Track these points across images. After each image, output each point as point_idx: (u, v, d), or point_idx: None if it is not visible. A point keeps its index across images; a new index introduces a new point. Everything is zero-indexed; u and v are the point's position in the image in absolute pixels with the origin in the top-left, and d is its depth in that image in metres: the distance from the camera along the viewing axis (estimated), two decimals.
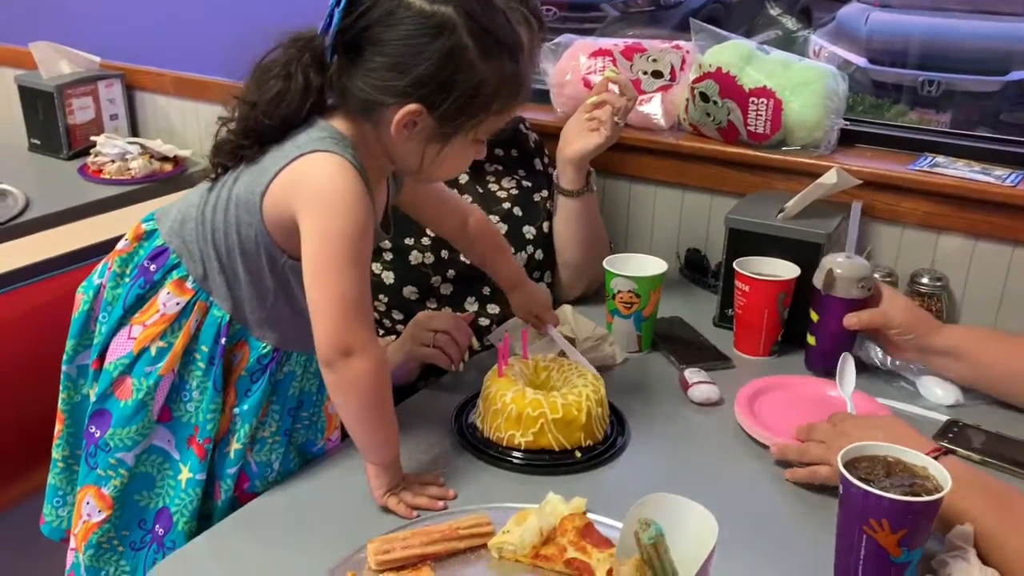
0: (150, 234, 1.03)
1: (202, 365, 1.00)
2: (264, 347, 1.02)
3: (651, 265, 1.36)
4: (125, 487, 1.02)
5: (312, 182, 0.93)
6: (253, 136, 0.97)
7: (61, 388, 1.08)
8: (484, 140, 1.03)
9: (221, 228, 0.98)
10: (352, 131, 0.97)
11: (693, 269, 1.65)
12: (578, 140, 1.41)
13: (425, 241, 1.37)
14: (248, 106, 0.97)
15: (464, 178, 1.45)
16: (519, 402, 1.06)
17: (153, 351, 1.00)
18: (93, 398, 1.02)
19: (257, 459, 1.05)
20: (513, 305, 1.27)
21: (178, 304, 1.00)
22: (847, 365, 1.21)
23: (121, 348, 1.01)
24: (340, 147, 0.95)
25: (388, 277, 1.37)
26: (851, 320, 1.23)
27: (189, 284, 1.00)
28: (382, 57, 0.93)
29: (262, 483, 1.06)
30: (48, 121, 2.17)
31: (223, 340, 1.00)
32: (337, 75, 0.96)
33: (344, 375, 0.94)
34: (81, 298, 1.06)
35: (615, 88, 1.40)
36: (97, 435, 1.01)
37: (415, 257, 1.36)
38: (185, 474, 1.02)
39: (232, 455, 1.03)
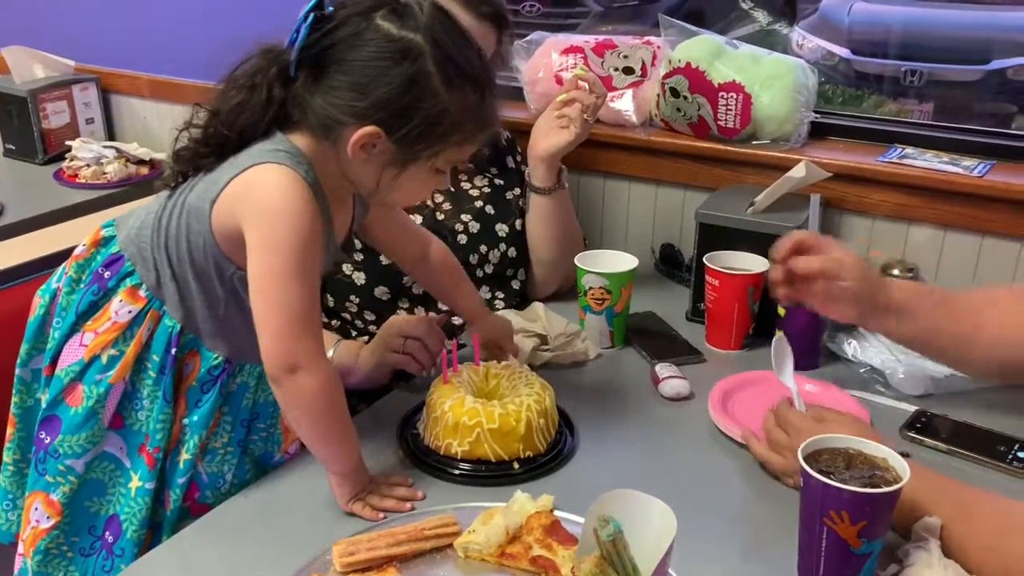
0: (107, 240, 1.03)
1: (152, 374, 1.00)
2: (216, 358, 1.02)
3: (622, 261, 1.37)
4: (75, 493, 1.01)
5: (258, 192, 0.93)
6: (212, 145, 0.97)
7: (14, 391, 1.08)
8: (446, 171, 1.01)
9: (173, 236, 0.98)
10: (311, 148, 0.97)
11: (668, 264, 1.66)
12: (548, 138, 1.41)
13: None
14: (210, 114, 0.97)
15: None
16: (456, 411, 1.05)
17: (104, 359, 0.99)
18: (44, 404, 1.02)
19: (209, 470, 1.05)
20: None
21: (130, 312, 0.99)
22: (781, 347, 1.14)
23: (72, 355, 1.00)
24: (293, 161, 0.94)
25: (359, 278, 1.36)
26: (801, 263, 1.11)
27: (142, 292, 1.00)
28: (345, 76, 0.93)
29: (213, 493, 1.06)
30: (22, 126, 2.17)
31: (174, 350, 1.00)
32: (300, 90, 0.95)
33: (292, 391, 0.93)
34: (38, 302, 1.06)
35: (585, 85, 1.40)
36: (47, 441, 1.01)
37: (386, 257, 1.36)
38: (135, 482, 1.02)
39: (182, 465, 1.02)
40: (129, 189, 2.03)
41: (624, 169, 1.68)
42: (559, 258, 1.49)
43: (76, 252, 1.05)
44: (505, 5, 1.40)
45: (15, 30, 2.30)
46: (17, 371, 1.07)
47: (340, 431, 0.98)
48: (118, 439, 1.02)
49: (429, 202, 1.43)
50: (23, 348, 1.07)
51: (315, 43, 0.93)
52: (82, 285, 1.02)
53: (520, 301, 1.51)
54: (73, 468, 1.01)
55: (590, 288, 1.34)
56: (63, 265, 1.06)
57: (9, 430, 1.09)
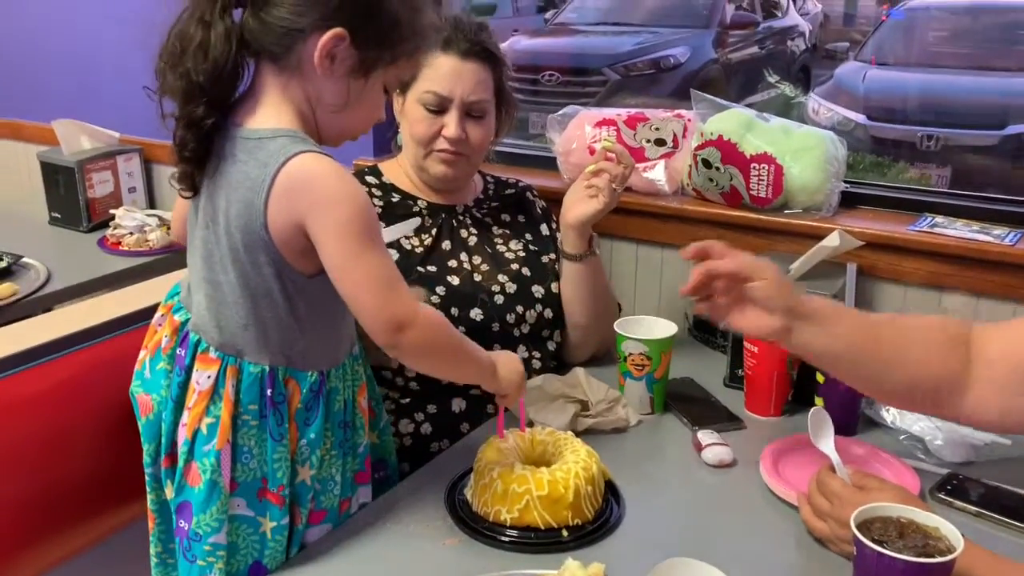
0: (184, 324, 1.06)
1: (253, 423, 1.02)
2: (312, 375, 1.04)
3: (661, 327, 1.39)
4: (228, 566, 1.03)
5: (314, 186, 0.95)
6: (197, 99, 0.95)
7: (148, 489, 1.11)
8: (390, 93, 1.07)
9: (236, 284, 0.99)
10: (280, 85, 0.98)
11: (702, 330, 1.68)
12: (578, 206, 1.46)
13: (434, 299, 1.40)
14: (176, 75, 0.96)
15: (473, 239, 1.50)
16: (506, 478, 1.06)
17: (204, 429, 1.02)
18: (172, 494, 1.05)
19: (321, 476, 1.07)
20: None
21: (209, 378, 1.02)
22: (818, 418, 1.15)
23: (180, 438, 1.04)
24: (305, 142, 0.97)
25: None
26: (713, 264, 1.07)
27: (213, 354, 1.02)
28: None
29: (327, 497, 1.09)
30: (68, 195, 2.24)
31: (269, 391, 1.02)
32: (250, 14, 0.96)
33: (410, 348, 0.99)
34: (149, 399, 1.08)
35: (613, 156, 1.45)
36: (186, 527, 1.04)
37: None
38: (268, 524, 1.04)
39: (309, 481, 1.05)
40: (171, 256, 2.08)
41: (657, 236, 1.72)
42: (593, 323, 1.51)
43: (163, 346, 1.07)
44: (493, 42, 1.45)
45: (65, 104, 2.40)
46: (147, 470, 1.11)
47: (467, 352, 1.06)
48: (239, 500, 1.04)
49: (467, 264, 1.46)
50: (146, 449, 1.10)
51: None
52: (173, 374, 1.06)
53: (556, 363, 1.53)
54: (219, 544, 1.02)
55: (630, 354, 1.36)
56: (164, 364, 1.08)
57: (150, 525, 1.14)
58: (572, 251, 1.48)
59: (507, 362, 1.12)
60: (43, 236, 2.26)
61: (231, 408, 1.01)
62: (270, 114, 0.99)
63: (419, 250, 1.44)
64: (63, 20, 2.45)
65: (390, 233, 1.39)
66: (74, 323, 1.54)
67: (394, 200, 1.48)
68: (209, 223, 1.01)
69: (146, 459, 1.10)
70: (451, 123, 1.41)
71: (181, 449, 1.03)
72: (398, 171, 1.52)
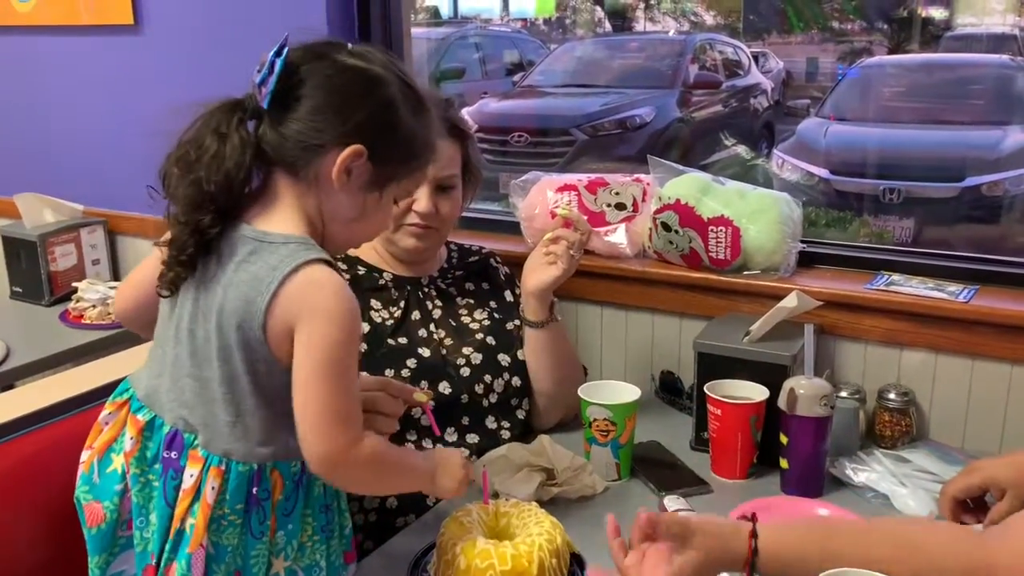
0: (151, 424, 1.03)
1: (237, 521, 0.99)
2: (295, 465, 1.01)
3: (625, 392, 1.39)
4: None
5: (317, 296, 0.94)
6: (206, 207, 0.96)
7: None
8: (396, 203, 1.11)
9: (224, 380, 0.98)
10: (292, 193, 0.99)
11: (668, 391, 1.68)
12: (537, 273, 1.47)
13: (405, 372, 1.39)
14: (187, 182, 0.96)
15: (438, 312, 1.50)
16: (468, 553, 1.03)
17: (187, 529, 0.98)
18: None
19: (303, 564, 1.04)
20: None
21: (192, 476, 0.99)
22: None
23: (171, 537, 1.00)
24: (317, 250, 0.97)
25: None
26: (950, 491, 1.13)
27: (199, 452, 0.99)
28: (322, 103, 0.97)
29: None
30: (31, 269, 2.21)
31: (255, 489, 0.99)
32: (269, 127, 0.97)
33: (340, 482, 1.01)
34: (101, 512, 1.04)
35: (568, 224, 1.47)
36: None
37: None
38: None
39: (283, 573, 1.02)
40: None
41: (621, 299, 1.73)
42: (558, 389, 1.51)
43: (126, 448, 1.03)
44: (460, 117, 1.51)
45: (28, 177, 2.39)
46: None
47: (403, 474, 1.06)
48: None
49: (435, 336, 1.46)
50: (93, 561, 1.04)
51: (287, 76, 0.97)
52: (154, 479, 1.01)
53: (525, 431, 1.52)
54: None
55: (594, 420, 1.36)
56: (115, 467, 1.04)
57: None
58: (533, 318, 1.49)
59: (447, 467, 1.09)
60: (4, 311, 2.23)
61: (207, 511, 0.97)
62: (282, 219, 1.00)
63: (389, 323, 1.44)
64: (26, 92, 2.46)
65: None
66: (34, 401, 1.52)
67: (360, 272, 1.48)
68: (198, 319, 0.99)
69: (93, 572, 1.05)
70: (422, 198, 1.43)
71: (167, 552, 0.99)
72: (364, 244, 1.53)
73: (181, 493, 0.99)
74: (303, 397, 0.95)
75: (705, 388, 1.38)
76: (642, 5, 10.03)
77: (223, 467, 0.98)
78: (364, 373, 1.35)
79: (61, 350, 1.97)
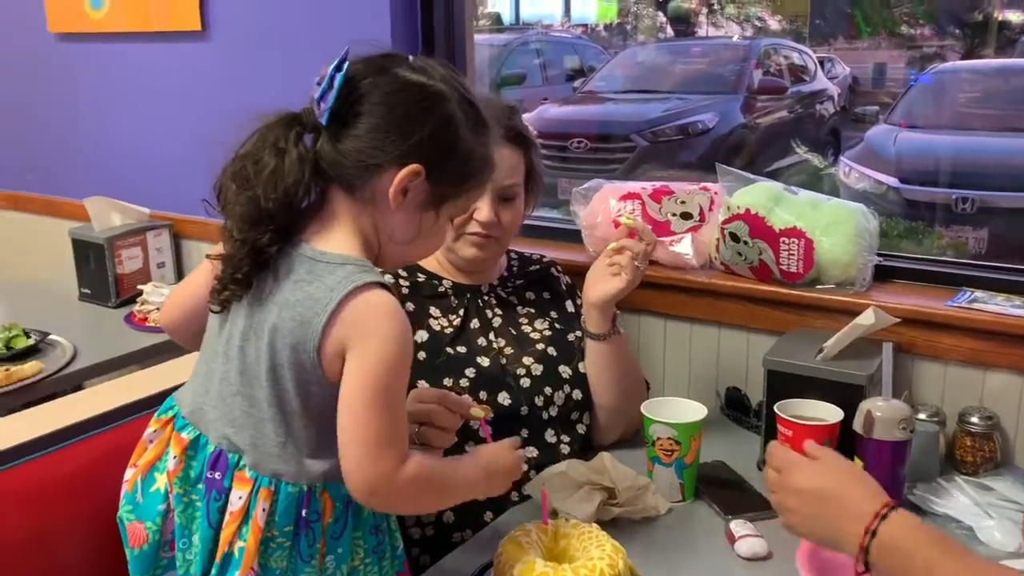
0: (195, 443, 1.01)
1: (287, 544, 0.97)
2: (345, 487, 0.97)
3: (691, 410, 1.35)
4: None
5: (368, 317, 0.92)
6: (264, 225, 0.94)
7: None
8: (451, 223, 1.08)
9: (274, 400, 0.95)
10: (350, 211, 0.97)
11: (734, 408, 1.63)
12: (600, 285, 1.43)
13: (463, 383, 1.37)
14: (244, 198, 0.95)
15: (498, 320, 1.47)
16: (526, 575, 1.01)
17: (236, 552, 0.96)
18: None
19: None
20: None
21: (240, 498, 0.96)
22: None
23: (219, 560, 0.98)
24: (374, 273, 0.95)
25: None
26: None
27: (248, 473, 0.97)
28: (382, 120, 0.95)
29: None
30: (98, 271, 2.26)
31: (304, 511, 0.97)
32: (327, 144, 0.95)
33: (383, 507, 0.98)
34: (142, 528, 1.03)
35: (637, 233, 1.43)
36: None
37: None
38: None
39: None
40: None
41: (685, 311, 1.68)
42: (620, 404, 1.47)
43: (169, 468, 1.01)
44: (524, 124, 1.46)
45: (98, 181, 2.44)
46: None
47: (451, 490, 1.02)
48: None
49: (494, 345, 1.43)
50: None
51: (347, 93, 0.95)
52: (196, 499, 1.00)
53: (586, 447, 1.49)
54: None
55: (658, 438, 1.32)
56: (158, 486, 1.02)
57: None
58: (595, 330, 1.45)
59: (498, 467, 1.07)
60: (73, 312, 2.28)
61: (258, 533, 0.95)
62: (340, 239, 0.98)
63: (448, 331, 1.42)
64: (97, 97, 2.51)
65: None
66: (96, 405, 1.53)
67: (420, 279, 1.46)
68: (250, 336, 0.97)
69: None
70: (484, 207, 1.40)
71: (214, 573, 0.98)
72: None
73: (228, 516, 0.97)
74: (350, 421, 0.92)
75: (776, 407, 1.32)
76: (705, 10, 9.91)
77: (272, 488, 0.96)
78: (422, 383, 1.33)
79: (126, 352, 2.00)
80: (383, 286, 0.95)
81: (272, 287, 0.96)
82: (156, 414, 1.06)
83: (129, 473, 1.06)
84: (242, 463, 0.97)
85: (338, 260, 0.96)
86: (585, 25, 9.48)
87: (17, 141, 2.74)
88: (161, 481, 1.02)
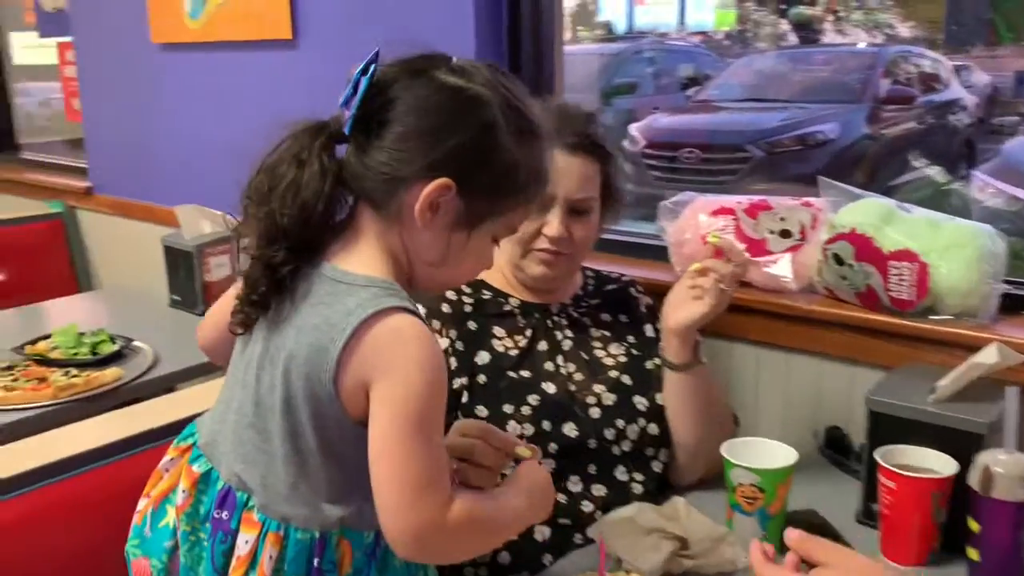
0: (206, 476, 0.94)
1: None
2: (368, 536, 0.91)
3: (779, 453, 1.20)
4: None
5: (392, 346, 0.84)
6: (279, 242, 0.87)
7: None
8: (498, 243, 0.95)
9: (287, 436, 0.87)
10: (376, 230, 0.89)
11: (834, 450, 1.46)
12: (680, 309, 1.30)
13: (525, 410, 1.26)
14: (261, 213, 0.88)
15: (568, 343, 1.36)
16: None
17: None
18: None
19: None
20: None
21: (247, 542, 0.89)
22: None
23: None
24: (400, 296, 0.86)
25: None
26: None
27: (256, 516, 0.89)
28: (410, 128, 0.86)
29: None
30: (187, 279, 2.27)
31: (316, 560, 0.88)
32: (353, 155, 0.88)
33: (427, 556, 0.88)
34: (147, 565, 0.96)
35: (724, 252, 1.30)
36: None
37: (513, 428, 1.25)
38: None
39: None
40: None
41: (782, 340, 1.53)
42: (702, 442, 1.33)
43: (178, 502, 0.94)
44: (603, 134, 1.35)
45: (187, 187, 2.46)
46: None
47: (498, 529, 0.93)
48: None
49: (562, 370, 1.32)
50: None
51: (374, 97, 0.87)
52: (203, 537, 0.92)
53: (662, 486, 1.36)
54: None
55: (740, 484, 1.18)
56: (167, 521, 0.95)
57: None
58: (674, 359, 1.32)
59: (536, 492, 0.97)
60: (162, 319, 2.29)
61: None
62: (365, 259, 0.89)
63: (512, 352, 1.32)
64: (192, 105, 2.54)
65: None
66: (146, 421, 1.50)
67: (485, 297, 1.37)
68: (265, 363, 0.89)
69: None
70: (553, 221, 1.30)
71: None
72: (492, 267, 1.41)
73: (235, 560, 0.89)
74: (384, 465, 0.83)
75: (877, 455, 1.16)
76: (830, 17, 9.52)
77: (281, 533, 0.88)
78: (480, 408, 1.24)
79: (207, 360, 1.98)
80: (410, 311, 0.86)
81: (289, 310, 0.88)
82: (176, 440, 1.00)
83: (142, 503, 0.99)
84: (251, 503, 0.90)
85: (361, 281, 0.87)
86: (704, 32, 9.27)
87: (124, 148, 2.81)
88: (171, 515, 0.95)
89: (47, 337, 1.99)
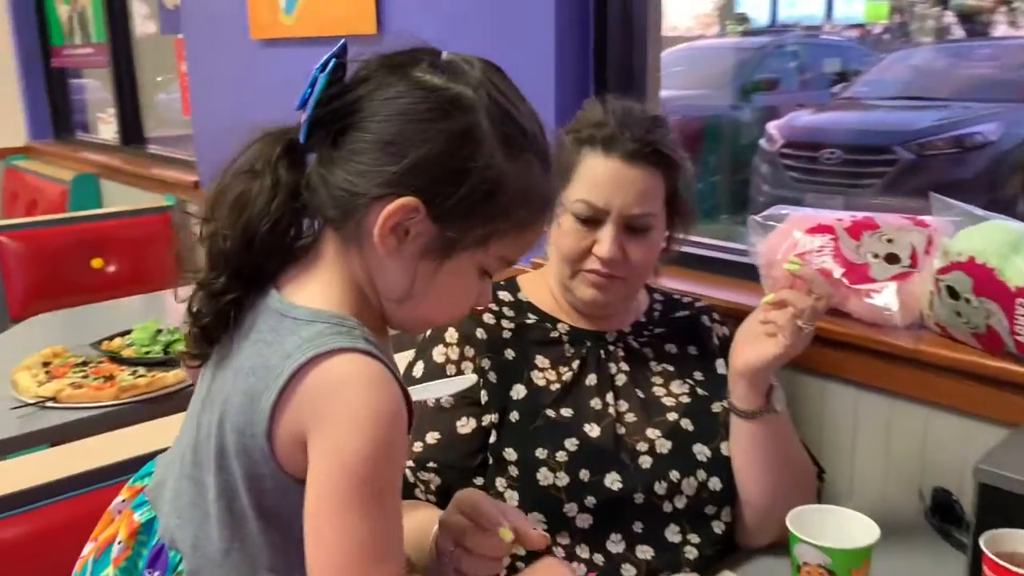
0: (147, 526, 0.82)
1: None
2: None
3: (857, 529, 0.99)
4: None
5: (332, 393, 0.70)
6: (220, 268, 0.76)
7: None
8: (492, 274, 0.78)
9: (220, 494, 0.76)
10: (336, 256, 0.76)
11: (942, 516, 1.23)
12: (748, 348, 1.11)
13: (561, 456, 1.11)
14: (206, 229, 0.76)
15: (621, 379, 1.19)
16: None
17: None
18: None
19: None
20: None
21: None
22: None
23: None
24: (349, 335, 0.72)
25: (511, 497, 1.11)
26: None
27: None
28: (372, 135, 0.72)
29: None
30: None
31: None
32: (319, 164, 0.75)
33: None
34: None
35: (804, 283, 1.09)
36: None
37: (544, 476, 1.10)
38: None
39: None
40: None
41: (884, 382, 1.30)
42: (772, 501, 1.14)
43: (114, 554, 0.82)
44: (670, 140, 1.16)
45: None
46: None
47: None
48: None
49: (611, 409, 1.16)
50: None
51: (335, 97, 0.74)
52: None
53: (724, 549, 1.17)
54: None
55: (805, 564, 0.98)
56: (108, 572, 0.84)
57: None
58: (742, 406, 1.13)
59: None
60: None
61: None
62: (317, 290, 0.76)
63: (554, 387, 1.16)
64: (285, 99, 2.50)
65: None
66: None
67: (528, 322, 1.22)
68: (207, 406, 0.78)
69: None
70: (605, 240, 1.13)
71: None
72: (540, 286, 1.26)
73: None
74: (316, 534, 0.70)
75: (982, 541, 0.94)
76: (1002, 8, 8.72)
77: None
78: (510, 451, 1.09)
79: None
80: (362, 351, 0.72)
81: (231, 347, 0.76)
82: (132, 479, 0.90)
83: (87, 548, 0.89)
84: (180, 567, 0.78)
85: (307, 316, 0.74)
86: (860, 25, 8.69)
87: (226, 142, 2.82)
88: (112, 568, 0.85)
89: (127, 333, 1.98)
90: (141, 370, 1.83)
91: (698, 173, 1.53)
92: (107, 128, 4.08)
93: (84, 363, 1.86)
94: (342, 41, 0.76)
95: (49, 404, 1.65)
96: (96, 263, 2.95)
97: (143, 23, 3.79)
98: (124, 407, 1.71)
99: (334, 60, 0.74)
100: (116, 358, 1.88)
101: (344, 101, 0.74)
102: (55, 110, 4.32)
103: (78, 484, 1.13)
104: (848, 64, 7.16)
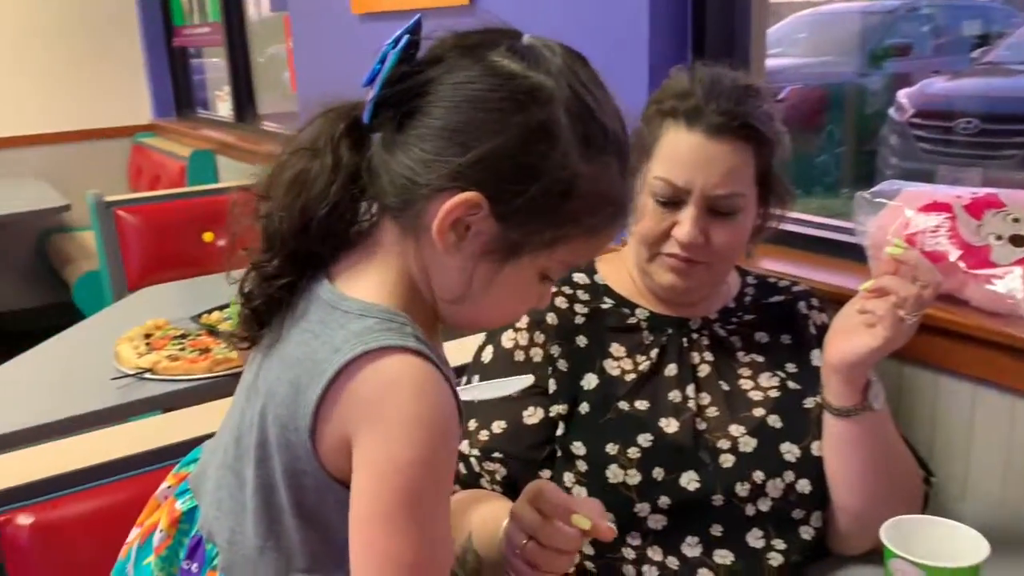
0: (188, 515, 0.80)
1: None
2: None
3: (964, 544, 0.89)
4: None
5: (380, 394, 0.66)
6: (274, 250, 0.72)
7: None
8: (554, 280, 0.73)
9: (258, 490, 0.73)
10: (392, 248, 0.72)
11: None
12: (845, 340, 1.01)
13: (632, 452, 1.04)
14: (263, 208, 0.73)
15: (705, 369, 1.11)
16: None
17: None
18: None
19: None
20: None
21: None
22: None
23: None
24: (399, 332, 0.67)
25: (579, 494, 1.05)
26: None
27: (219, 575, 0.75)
28: (439, 121, 0.67)
29: None
30: None
31: None
32: (377, 150, 0.70)
33: None
34: None
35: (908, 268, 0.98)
36: None
37: (614, 473, 1.03)
38: None
39: None
40: None
41: (1006, 378, 1.16)
42: (870, 508, 1.04)
43: (156, 543, 0.80)
44: (763, 113, 1.05)
45: None
46: None
47: None
48: None
49: (692, 403, 1.08)
50: None
51: (401, 80, 0.69)
52: None
53: (816, 556, 1.08)
54: None
55: None
56: (151, 560, 0.82)
57: None
58: (835, 402, 1.03)
59: None
60: None
61: None
62: (371, 281, 0.72)
63: (629, 377, 1.09)
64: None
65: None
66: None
67: (605, 306, 1.15)
68: (252, 394, 0.75)
69: None
70: (685, 222, 1.05)
71: None
72: (619, 269, 1.18)
73: None
74: (359, 542, 0.66)
75: None
76: None
77: None
78: (577, 445, 1.03)
79: None
80: (414, 351, 0.67)
81: (281, 332, 0.73)
82: (178, 465, 0.88)
83: (132, 533, 0.87)
84: (216, 561, 0.76)
85: (358, 309, 0.70)
86: None
87: None
88: (154, 555, 0.83)
89: (226, 307, 2.02)
90: None
91: (822, 144, 1.41)
92: (224, 106, 4.20)
93: (183, 336, 1.90)
94: (416, 16, 0.70)
95: (147, 376, 1.70)
96: (207, 236, 3.04)
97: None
98: (219, 379, 1.74)
99: (407, 36, 0.69)
100: (213, 331, 1.91)
101: (414, 81, 0.69)
102: (177, 88, 4.49)
103: (141, 463, 1.13)
104: (990, 26, 6.64)
